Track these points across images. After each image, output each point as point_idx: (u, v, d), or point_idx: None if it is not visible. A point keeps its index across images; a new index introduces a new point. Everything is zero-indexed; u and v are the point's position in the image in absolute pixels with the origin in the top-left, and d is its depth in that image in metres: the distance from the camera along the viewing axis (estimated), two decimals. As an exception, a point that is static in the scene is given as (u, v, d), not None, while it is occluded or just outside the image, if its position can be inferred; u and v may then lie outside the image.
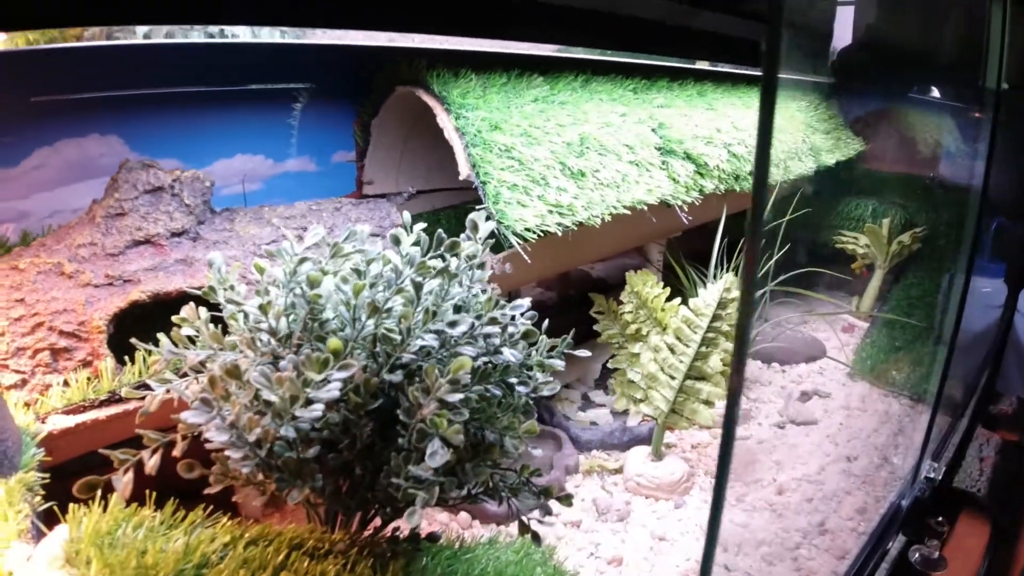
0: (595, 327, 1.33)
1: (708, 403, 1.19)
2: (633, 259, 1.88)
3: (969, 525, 1.34)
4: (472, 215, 0.73)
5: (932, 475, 1.09)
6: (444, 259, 0.73)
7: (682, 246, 1.60)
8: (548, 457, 1.27)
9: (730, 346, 1.20)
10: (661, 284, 1.67)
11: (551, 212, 1.04)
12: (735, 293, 1.20)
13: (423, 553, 0.81)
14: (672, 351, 1.20)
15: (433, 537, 0.81)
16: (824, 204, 1.88)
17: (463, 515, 1.13)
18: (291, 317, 0.71)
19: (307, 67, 1.25)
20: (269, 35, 1.22)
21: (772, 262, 1.47)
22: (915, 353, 1.52)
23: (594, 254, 1.47)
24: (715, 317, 1.19)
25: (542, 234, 1.01)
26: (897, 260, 1.73)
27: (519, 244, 0.97)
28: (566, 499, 0.74)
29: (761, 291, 1.48)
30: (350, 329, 0.70)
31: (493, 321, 0.66)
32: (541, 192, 1.04)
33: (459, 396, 0.61)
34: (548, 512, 0.73)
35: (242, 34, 1.20)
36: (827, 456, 1.31)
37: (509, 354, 0.70)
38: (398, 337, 0.66)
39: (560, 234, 1.04)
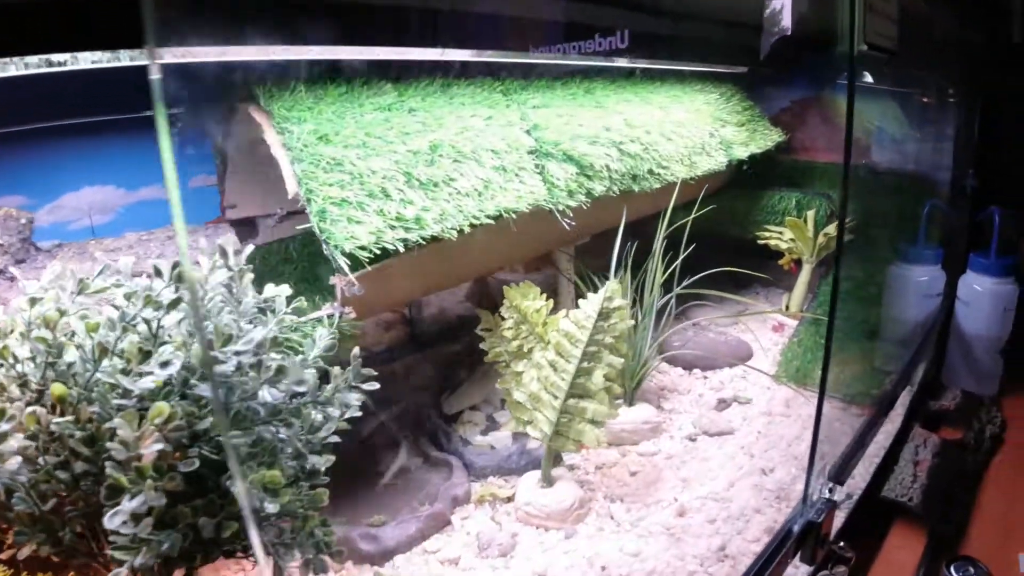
0: (481, 345, 1.25)
1: (595, 423, 1.10)
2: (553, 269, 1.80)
3: (901, 538, 1.24)
4: (220, 240, 0.65)
5: (830, 496, 0.99)
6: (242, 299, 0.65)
7: (592, 253, 1.52)
8: (435, 487, 1.19)
9: (615, 360, 1.11)
10: (573, 294, 1.60)
11: (392, 227, 0.97)
12: (617, 302, 1.12)
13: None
14: (554, 368, 1.12)
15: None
16: (744, 199, 1.78)
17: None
18: (39, 360, 0.64)
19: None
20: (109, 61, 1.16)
21: (678, 262, 1.38)
22: (845, 352, 1.42)
23: (478, 268, 1.39)
24: (596, 329, 1.10)
25: (379, 251, 0.94)
26: (825, 253, 1.63)
27: (347, 264, 0.90)
28: (337, 555, 0.66)
29: (668, 295, 1.39)
30: (92, 371, 0.63)
31: (216, 360, 0.58)
32: (380, 206, 0.97)
33: (159, 447, 0.53)
34: (323, 569, 0.64)
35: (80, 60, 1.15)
36: (740, 469, 1.22)
37: (267, 393, 0.63)
38: (117, 380, 0.58)
39: (403, 250, 0.96)
